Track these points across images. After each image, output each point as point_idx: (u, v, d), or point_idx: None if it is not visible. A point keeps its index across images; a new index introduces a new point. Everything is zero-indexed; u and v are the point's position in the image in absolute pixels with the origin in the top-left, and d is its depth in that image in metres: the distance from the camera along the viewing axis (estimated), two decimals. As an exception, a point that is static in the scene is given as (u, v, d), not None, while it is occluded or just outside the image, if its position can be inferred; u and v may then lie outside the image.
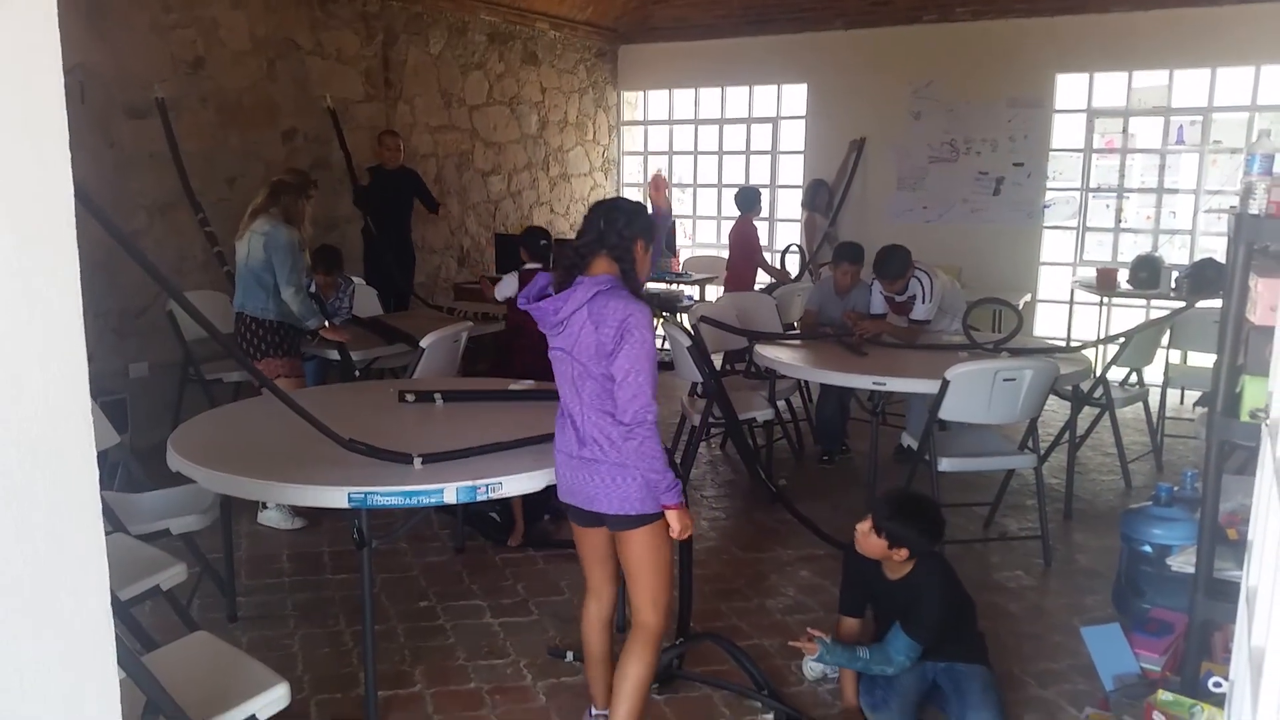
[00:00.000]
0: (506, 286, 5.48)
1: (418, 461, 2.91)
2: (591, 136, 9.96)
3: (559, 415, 2.72)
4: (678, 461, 4.70)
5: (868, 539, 2.98)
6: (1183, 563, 2.65)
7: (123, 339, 5.81)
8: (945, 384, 4.00)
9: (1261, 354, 2.21)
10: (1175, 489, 3.63)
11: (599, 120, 10.04)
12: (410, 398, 3.75)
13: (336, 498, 2.75)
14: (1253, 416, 1.76)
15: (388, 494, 2.74)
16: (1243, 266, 2.31)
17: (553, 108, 9.33)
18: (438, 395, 3.77)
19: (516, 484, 2.88)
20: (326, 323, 4.84)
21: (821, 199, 8.23)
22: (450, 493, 2.78)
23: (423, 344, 4.70)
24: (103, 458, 3.67)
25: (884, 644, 2.96)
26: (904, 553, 2.95)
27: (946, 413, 4.08)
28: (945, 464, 4.11)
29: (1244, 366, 2.26)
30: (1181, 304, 6.51)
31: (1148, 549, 3.51)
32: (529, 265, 5.38)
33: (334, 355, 5.24)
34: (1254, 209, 2.32)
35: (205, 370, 5.65)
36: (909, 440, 4.35)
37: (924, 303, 5.16)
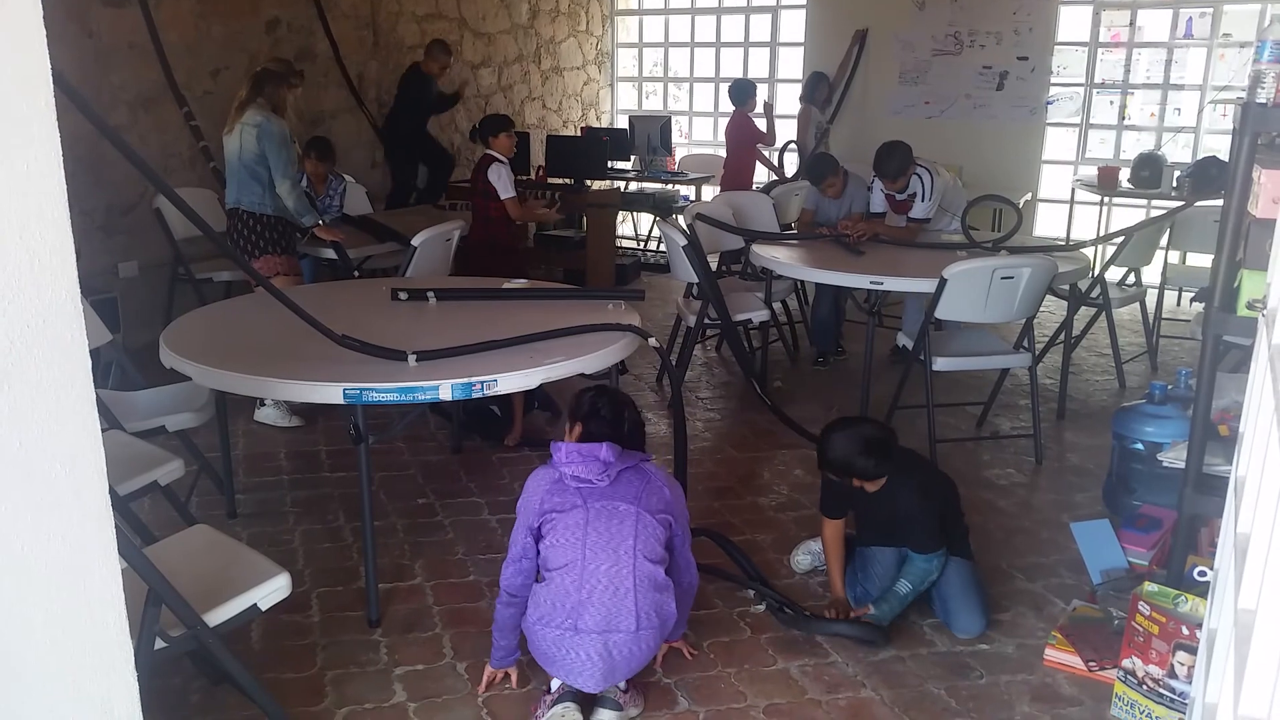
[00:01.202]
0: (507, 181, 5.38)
1: (412, 359, 2.90)
2: (584, 27, 9.67)
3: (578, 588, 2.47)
4: (673, 362, 4.71)
5: (827, 476, 3.07)
6: (1173, 458, 2.68)
7: (110, 237, 5.72)
8: (943, 283, 3.97)
9: (1261, 248, 2.19)
10: (1170, 387, 3.65)
11: (592, 9, 9.73)
12: (404, 295, 3.72)
13: (331, 393, 2.74)
14: (1250, 308, 1.75)
15: (383, 390, 2.74)
16: (1247, 158, 2.27)
17: (544, -3, 9.03)
18: (431, 293, 3.74)
19: (511, 381, 2.88)
20: (320, 221, 4.77)
21: (820, 93, 8.02)
22: (445, 389, 2.77)
23: (414, 242, 4.65)
24: (96, 356, 3.66)
25: (909, 570, 2.97)
26: (879, 482, 2.98)
27: (943, 312, 4.06)
28: (940, 363, 4.12)
29: (1243, 261, 2.23)
30: (1181, 203, 6.45)
31: (1139, 446, 3.55)
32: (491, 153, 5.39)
33: (327, 254, 5.19)
34: (1261, 98, 2.26)
35: (196, 269, 5.59)
36: (904, 340, 4.34)
37: (924, 200, 5.09)
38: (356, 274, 5.18)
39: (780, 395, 5.06)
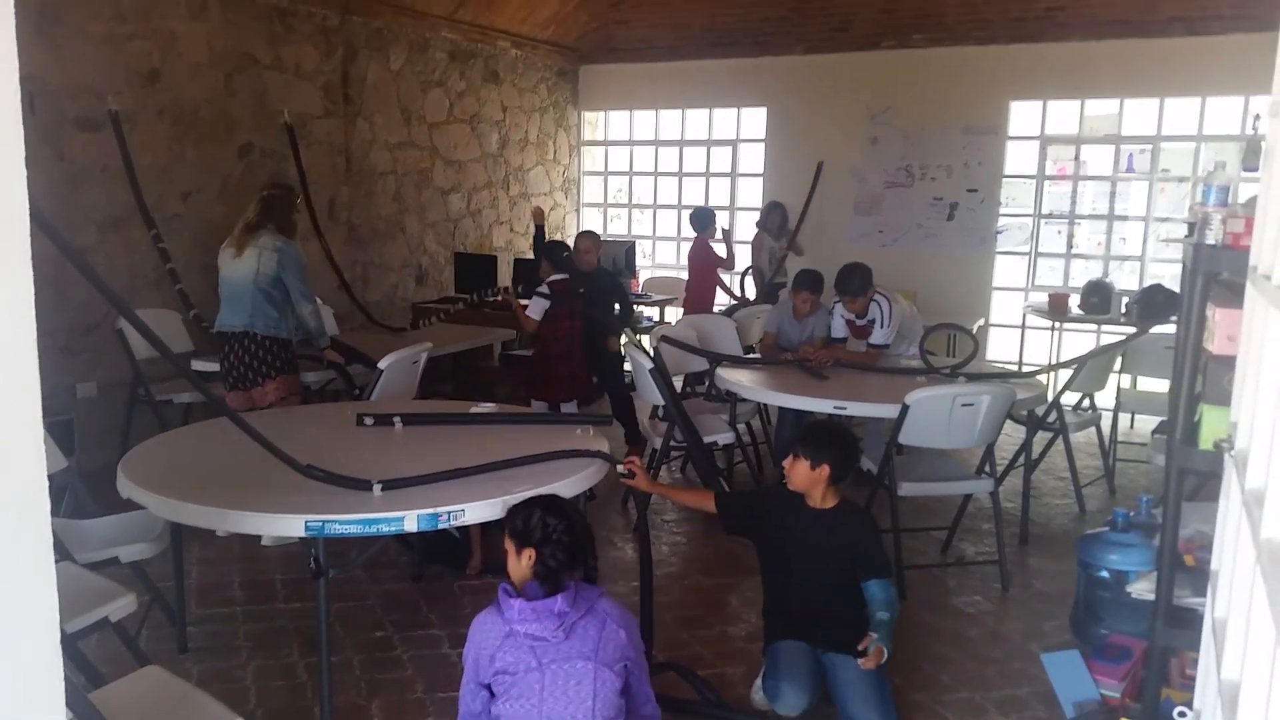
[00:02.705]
0: (537, 306, 5.49)
1: (377, 488, 2.85)
2: (552, 156, 9.95)
3: None
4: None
5: (793, 468, 3.14)
6: (1143, 590, 2.68)
7: (71, 357, 5.64)
8: (905, 409, 4.02)
9: (1220, 383, 2.25)
10: (1131, 514, 3.68)
11: (560, 140, 10.04)
12: (369, 421, 3.69)
13: (293, 526, 2.68)
14: (1217, 447, 1.79)
15: (346, 522, 2.68)
16: (1200, 296, 2.35)
17: (513, 126, 9.31)
18: (397, 418, 3.71)
19: (478, 511, 2.84)
20: (327, 343, 4.78)
21: (774, 220, 8.23)
22: (411, 520, 2.73)
23: (381, 365, 4.64)
24: (50, 482, 3.56)
25: (878, 603, 3.01)
26: (825, 470, 3.08)
27: (906, 437, 4.10)
28: (906, 489, 4.14)
29: (1202, 395, 2.29)
30: (1133, 330, 6.65)
31: (1105, 575, 3.55)
32: (556, 277, 5.54)
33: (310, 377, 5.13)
34: (1210, 239, 2.36)
35: (156, 390, 5.52)
36: (868, 464, 4.37)
37: (882, 327, 5.21)
38: (358, 393, 5.10)
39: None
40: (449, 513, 2.77)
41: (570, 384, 5.57)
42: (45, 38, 5.33)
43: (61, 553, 3.15)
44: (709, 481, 5.00)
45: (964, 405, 4.04)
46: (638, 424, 5.65)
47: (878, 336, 5.22)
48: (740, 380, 4.82)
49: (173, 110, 6.07)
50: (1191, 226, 5.84)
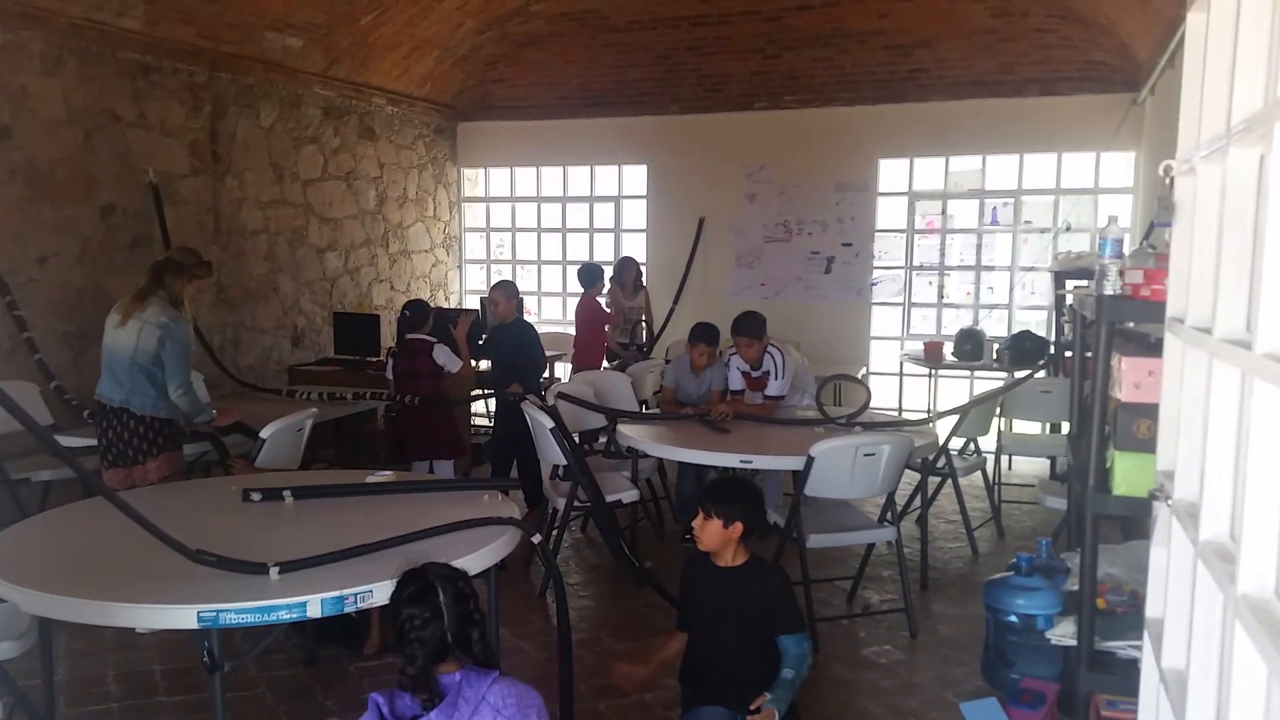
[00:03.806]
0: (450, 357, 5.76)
1: (274, 571, 2.65)
2: (432, 213, 9.80)
3: None
4: (545, 546, 4.53)
5: (704, 529, 3.04)
6: (1062, 635, 2.73)
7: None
8: (810, 460, 4.04)
9: (1129, 430, 2.32)
10: (1033, 558, 3.77)
11: (439, 196, 9.90)
12: (256, 496, 3.46)
13: (184, 618, 2.46)
14: (1152, 495, 1.83)
15: (243, 610, 2.48)
16: (1105, 346, 2.44)
17: (391, 183, 9.13)
18: (287, 492, 3.49)
19: (387, 591, 2.66)
20: (214, 412, 4.42)
21: (627, 275, 8.07)
22: (314, 605, 2.54)
23: (263, 434, 4.40)
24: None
25: (787, 658, 2.94)
26: (738, 527, 3.00)
27: (812, 488, 4.12)
28: (814, 540, 4.14)
29: (1115, 442, 2.36)
30: (1005, 375, 6.95)
31: (1014, 619, 3.60)
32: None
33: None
34: (1109, 290, 2.45)
35: (11, 469, 5.06)
36: (774, 517, 4.36)
37: (777, 378, 5.28)
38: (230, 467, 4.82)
39: (653, 575, 4.94)
40: (356, 594, 2.60)
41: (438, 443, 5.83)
42: (-119, 92, 4.93)
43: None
44: (610, 541, 4.94)
45: (866, 455, 4.09)
46: (541, 484, 5.52)
47: (773, 388, 5.28)
48: (642, 436, 4.77)
49: (26, 170, 5.67)
50: (1057, 276, 6.16)
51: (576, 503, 4.77)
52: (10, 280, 5.46)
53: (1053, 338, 7.07)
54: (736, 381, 5.39)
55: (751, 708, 2.83)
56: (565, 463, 4.71)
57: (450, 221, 10.12)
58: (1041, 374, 6.10)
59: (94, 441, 4.47)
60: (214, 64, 6.94)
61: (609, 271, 8.05)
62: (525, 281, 10.24)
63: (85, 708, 3.63)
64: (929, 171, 8.68)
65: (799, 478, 4.15)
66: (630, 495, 4.96)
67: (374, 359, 7.11)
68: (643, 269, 8.47)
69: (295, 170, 7.91)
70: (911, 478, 5.28)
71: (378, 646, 4.11)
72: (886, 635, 4.33)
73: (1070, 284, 5.46)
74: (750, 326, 5.26)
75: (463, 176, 10.22)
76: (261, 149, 7.54)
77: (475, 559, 2.89)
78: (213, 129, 7.06)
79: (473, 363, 6.39)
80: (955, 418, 5.39)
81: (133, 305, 4.17)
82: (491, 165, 10.23)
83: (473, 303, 9.52)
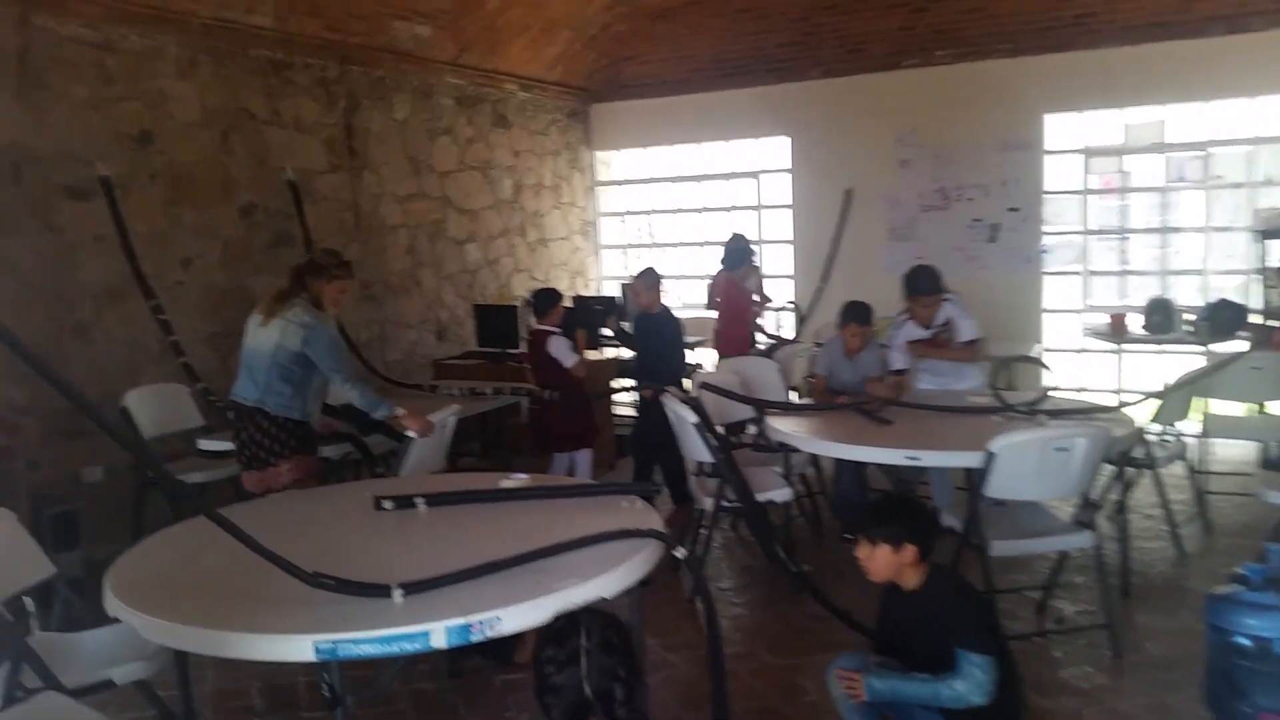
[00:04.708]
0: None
1: (397, 594, 2.41)
2: (568, 199, 9.61)
3: None
4: (692, 553, 4.22)
5: (871, 559, 2.74)
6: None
7: (73, 441, 5.23)
8: (991, 457, 3.55)
9: None
10: (1265, 570, 3.19)
11: (575, 181, 9.69)
12: (389, 505, 3.26)
13: (301, 649, 2.25)
14: None
15: (362, 641, 2.25)
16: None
17: (526, 171, 8.97)
18: (420, 499, 3.28)
19: (518, 616, 2.38)
20: (399, 410, 4.23)
21: (738, 257, 7.32)
22: (439, 634, 2.29)
23: (411, 432, 4.24)
24: (33, 593, 3.16)
25: (946, 676, 2.59)
26: (911, 551, 2.67)
27: (993, 489, 3.62)
28: (997, 547, 3.65)
29: None
30: (1210, 348, 6.17)
31: (1245, 641, 3.05)
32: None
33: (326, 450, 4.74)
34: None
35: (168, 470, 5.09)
36: (950, 521, 3.87)
37: (965, 319, 4.85)
38: (380, 470, 4.75)
39: (813, 582, 4.54)
40: (483, 622, 2.33)
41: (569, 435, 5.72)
42: (27, 103, 5.02)
43: (46, 677, 2.74)
44: (763, 544, 4.57)
45: (1057, 450, 3.57)
46: (686, 482, 5.20)
47: (966, 330, 4.87)
48: (795, 430, 4.36)
49: (167, 173, 5.73)
50: (1262, 235, 5.40)
51: (725, 502, 4.42)
52: (156, 284, 5.51)
53: (1259, 305, 6.24)
54: (899, 360, 4.91)
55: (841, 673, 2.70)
56: (711, 459, 4.36)
57: (586, 207, 9.90)
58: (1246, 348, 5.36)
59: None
60: (345, 57, 6.90)
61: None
62: (664, 264, 9.94)
63: (227, 722, 3.54)
64: (1102, 125, 7.85)
65: (974, 475, 3.67)
66: (783, 494, 4.56)
67: (514, 350, 6.96)
68: (754, 248, 7.74)
69: (431, 162, 7.83)
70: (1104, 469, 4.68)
71: (530, 655, 3.86)
72: (1085, 654, 3.79)
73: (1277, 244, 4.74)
74: (928, 282, 4.83)
75: (597, 160, 9.98)
76: (396, 142, 7.48)
77: (613, 578, 2.59)
78: (347, 124, 7.03)
79: (596, 356, 6.20)
80: (1151, 401, 4.75)
81: (275, 305, 4.09)
82: (625, 146, 9.95)
83: (611, 289, 9.28)
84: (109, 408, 5.17)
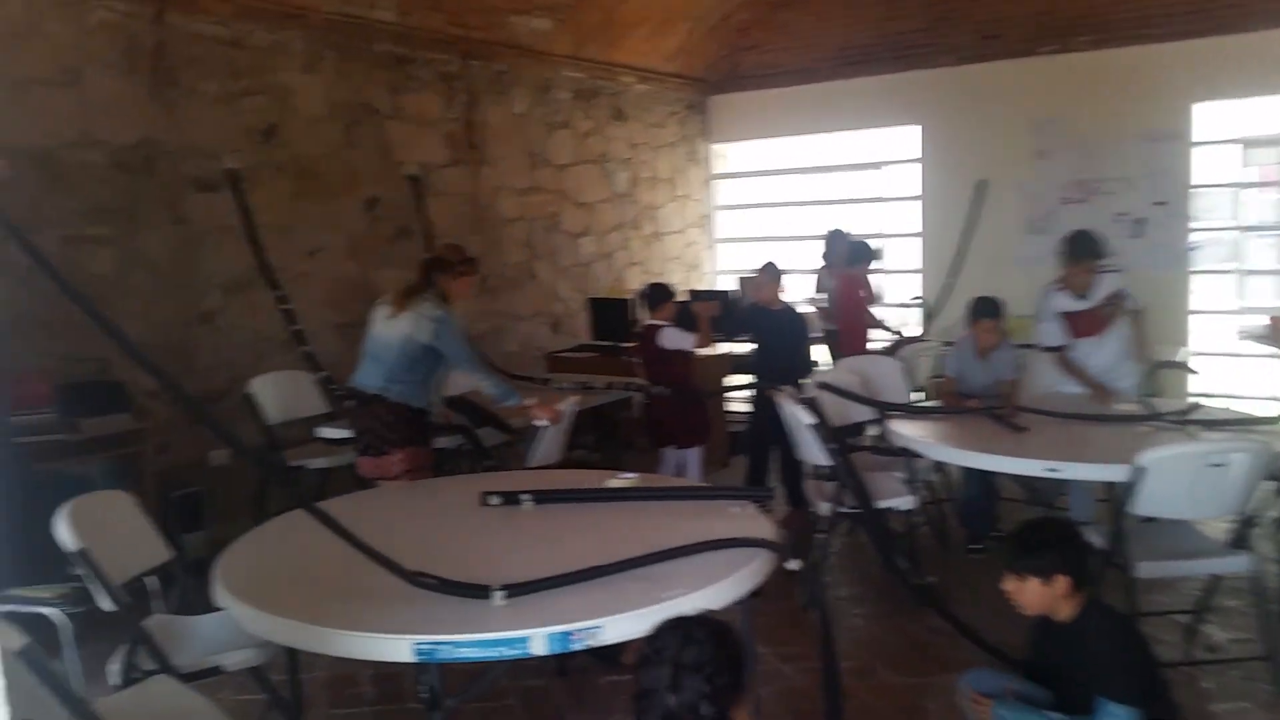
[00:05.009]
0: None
1: (498, 596, 2.33)
2: (684, 192, 9.47)
3: None
4: (810, 560, 4.02)
5: (1020, 593, 2.50)
6: None
7: (200, 425, 5.41)
8: (1140, 472, 3.25)
9: None
10: None
11: (691, 174, 9.55)
12: (495, 500, 3.20)
13: (400, 649, 2.19)
14: None
15: (461, 644, 2.18)
16: None
17: (642, 164, 8.88)
18: (526, 497, 3.21)
19: (621, 626, 2.27)
20: (528, 400, 4.29)
21: (838, 252, 7.00)
22: (538, 641, 2.20)
23: (540, 421, 4.25)
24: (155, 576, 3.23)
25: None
26: (1064, 582, 2.43)
27: (1143, 506, 3.32)
28: (1144, 569, 3.35)
29: None
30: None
31: None
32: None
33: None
34: None
35: (289, 456, 5.20)
36: (1095, 537, 3.56)
37: (1126, 294, 4.70)
38: (490, 462, 4.78)
39: (937, 596, 4.30)
40: (583, 630, 2.22)
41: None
42: (160, 99, 5.18)
43: (158, 660, 2.77)
44: (883, 553, 4.35)
45: (1213, 465, 3.25)
46: (802, 484, 5.01)
47: (1132, 300, 4.66)
48: (920, 435, 4.13)
49: (293, 166, 5.86)
50: None
51: (843, 508, 4.21)
52: (282, 274, 5.63)
53: None
54: (1053, 335, 4.69)
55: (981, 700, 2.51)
56: (828, 463, 4.16)
57: (703, 199, 9.75)
58: None
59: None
60: (466, 52, 6.93)
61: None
62: (782, 258, 9.70)
63: (337, 710, 3.55)
64: (1259, 114, 7.24)
65: (1118, 490, 3.37)
66: (905, 502, 4.32)
67: (627, 344, 6.88)
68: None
69: (548, 156, 7.82)
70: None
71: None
72: (1241, 688, 3.45)
73: None
74: (1091, 246, 4.58)
75: (714, 152, 9.81)
76: (515, 136, 7.49)
77: (721, 589, 2.45)
78: (468, 118, 7.07)
79: (715, 343, 6.02)
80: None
81: (406, 299, 4.13)
82: (744, 138, 9.74)
83: (727, 283, 9.11)
84: (236, 394, 5.33)
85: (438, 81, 6.79)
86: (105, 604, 2.78)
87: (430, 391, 4.19)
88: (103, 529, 2.88)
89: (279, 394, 5.24)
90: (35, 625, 3.51)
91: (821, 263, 7.16)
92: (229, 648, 2.96)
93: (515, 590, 2.36)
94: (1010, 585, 2.50)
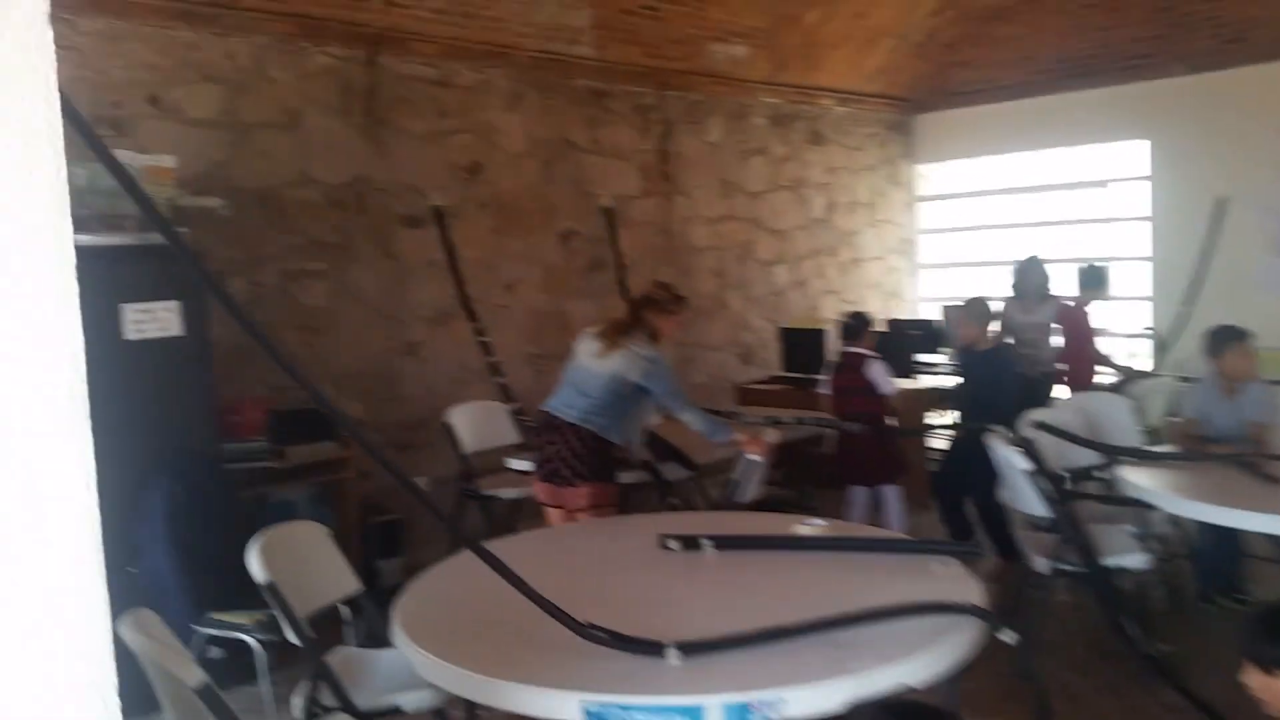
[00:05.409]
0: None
1: (672, 654, 2.18)
2: (884, 216, 9.09)
3: None
4: (1020, 629, 3.63)
5: (1269, 691, 2.06)
6: None
7: (402, 452, 5.63)
8: None
9: None
10: None
11: (893, 198, 9.16)
12: (674, 545, 3.06)
13: (567, 707, 2.08)
14: None
15: (632, 709, 2.04)
16: None
17: (840, 188, 8.59)
18: (706, 542, 3.05)
19: (806, 699, 2.06)
20: (738, 435, 4.26)
21: (1031, 283, 6.23)
22: (714, 712, 2.02)
23: (753, 456, 4.12)
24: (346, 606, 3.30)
25: None
26: None
27: None
28: None
29: None
30: None
31: None
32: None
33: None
34: None
35: (482, 485, 5.30)
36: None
37: None
38: (675, 503, 4.70)
39: (1171, 667, 3.80)
40: (764, 702, 2.03)
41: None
42: (371, 139, 5.44)
43: (339, 698, 2.80)
44: (1109, 617, 3.89)
45: None
46: (1010, 533, 4.59)
47: None
48: (1154, 484, 3.66)
49: (494, 202, 6.03)
50: None
51: (1063, 565, 3.79)
52: (480, 307, 5.77)
53: None
54: None
55: None
56: (1047, 514, 3.76)
57: (904, 224, 9.33)
58: None
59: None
60: (662, 83, 6.93)
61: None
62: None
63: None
64: None
65: None
66: (1136, 560, 3.84)
67: (819, 377, 6.62)
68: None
69: (742, 183, 7.70)
70: None
71: None
72: None
73: None
74: None
75: (918, 173, 9.37)
76: (708, 165, 7.42)
77: (922, 663, 2.19)
78: (661, 149, 7.06)
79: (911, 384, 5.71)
80: None
81: (615, 336, 4.11)
82: (953, 158, 9.25)
83: (930, 311, 8.64)
84: (435, 423, 5.48)
85: (633, 114, 6.82)
86: (291, 637, 2.83)
87: (628, 429, 4.13)
88: (293, 560, 2.94)
89: (475, 423, 5.34)
90: (236, 650, 3.69)
91: (1010, 294, 6.37)
92: (410, 685, 2.95)
93: (690, 649, 2.20)
94: (1254, 680, 2.08)
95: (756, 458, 4.11)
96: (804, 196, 8.24)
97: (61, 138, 0.86)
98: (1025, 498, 3.85)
